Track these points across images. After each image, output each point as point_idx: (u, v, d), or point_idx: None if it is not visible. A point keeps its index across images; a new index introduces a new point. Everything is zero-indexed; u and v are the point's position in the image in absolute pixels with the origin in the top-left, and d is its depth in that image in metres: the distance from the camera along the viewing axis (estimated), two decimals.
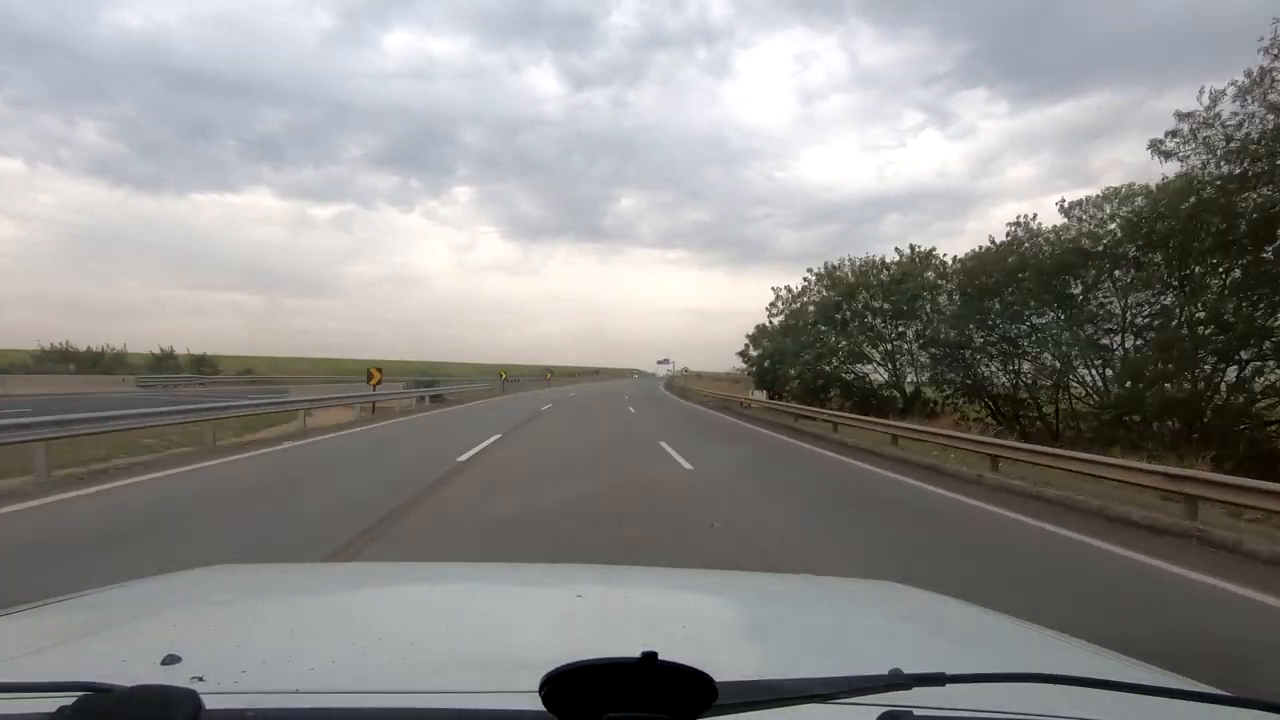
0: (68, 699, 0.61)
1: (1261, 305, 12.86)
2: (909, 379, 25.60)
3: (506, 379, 41.68)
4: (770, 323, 32.34)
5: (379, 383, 22.10)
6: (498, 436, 12.47)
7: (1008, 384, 19.69)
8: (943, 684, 0.75)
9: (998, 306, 18.46)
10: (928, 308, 23.68)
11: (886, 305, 25.26)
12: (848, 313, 26.37)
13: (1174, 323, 14.44)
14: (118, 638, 1.03)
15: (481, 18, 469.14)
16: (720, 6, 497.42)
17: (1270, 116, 12.33)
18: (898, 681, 0.74)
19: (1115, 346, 16.42)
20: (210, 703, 0.62)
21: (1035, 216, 18.43)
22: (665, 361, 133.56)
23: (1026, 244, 18.33)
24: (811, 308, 29.20)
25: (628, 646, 0.63)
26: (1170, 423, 13.85)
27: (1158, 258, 14.97)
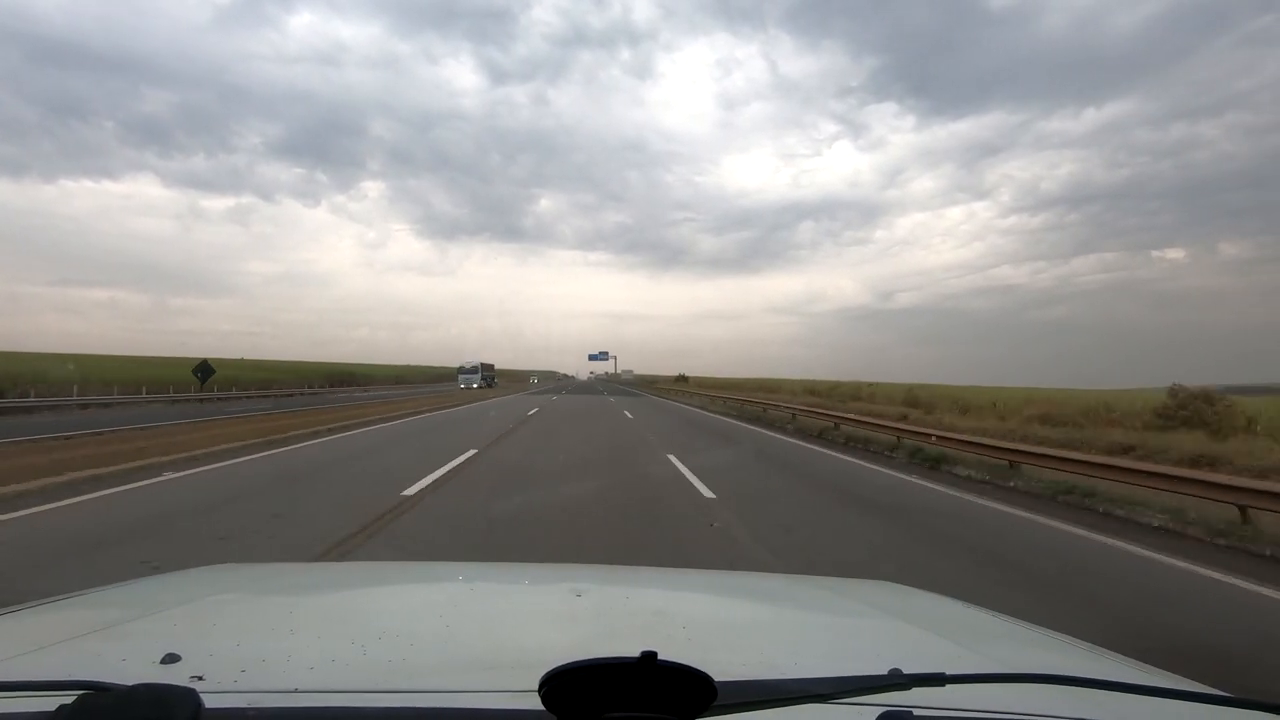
0: (67, 698, 0.61)
1: None
2: None
3: None
4: None
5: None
6: None
7: None
8: (942, 684, 0.75)
9: None
10: None
11: None
12: None
13: None
14: (117, 637, 1.03)
15: (394, 3, 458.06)
16: (644, 7, 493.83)
17: None
18: (897, 681, 0.74)
19: None
20: (210, 702, 0.62)
21: None
22: (601, 357, 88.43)
23: None
24: None
25: (627, 646, 0.63)
26: None
27: None
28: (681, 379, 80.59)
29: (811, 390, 38.09)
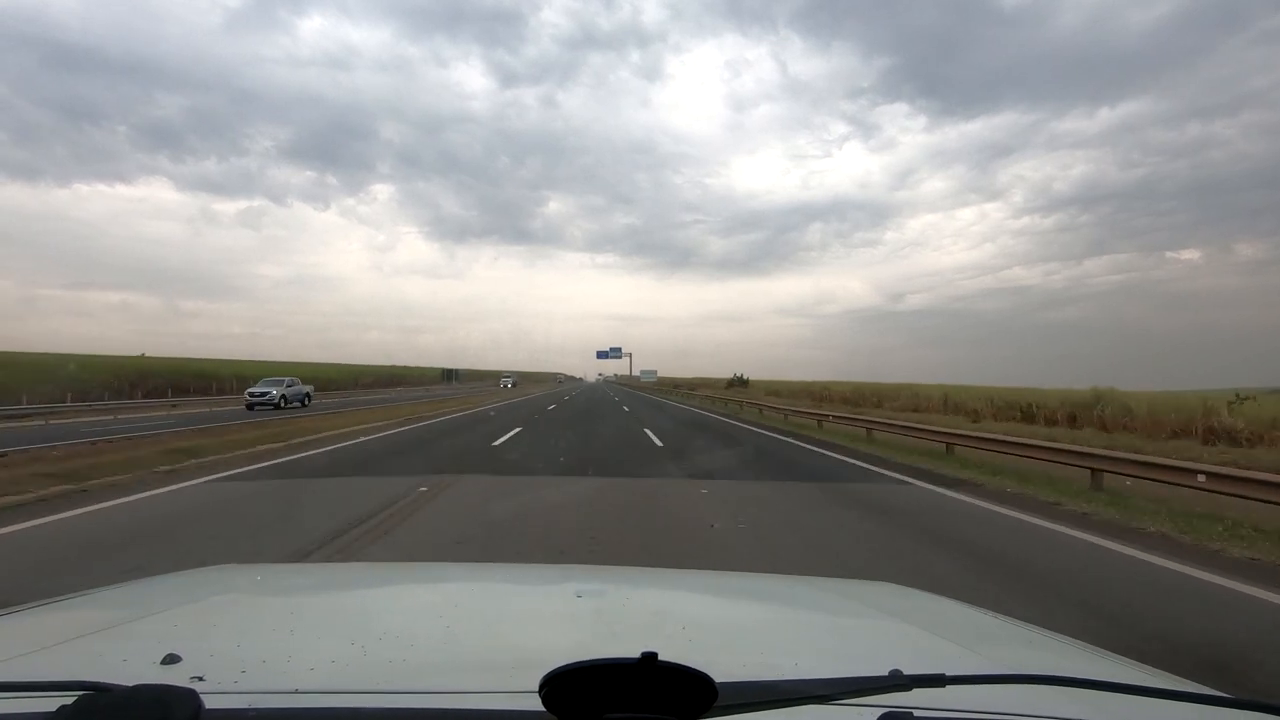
0: (68, 698, 0.61)
1: None
2: None
3: None
4: None
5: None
6: None
7: None
8: (942, 685, 0.75)
9: None
10: None
11: None
12: None
13: None
14: (118, 637, 1.03)
15: (404, 7, 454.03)
16: (654, 9, 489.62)
17: None
18: (898, 682, 0.74)
19: None
20: (210, 702, 0.62)
21: None
22: (613, 354, 72.66)
23: None
24: None
25: (628, 647, 0.63)
26: None
27: None
28: (739, 382, 55.71)
29: (981, 401, 21.82)
